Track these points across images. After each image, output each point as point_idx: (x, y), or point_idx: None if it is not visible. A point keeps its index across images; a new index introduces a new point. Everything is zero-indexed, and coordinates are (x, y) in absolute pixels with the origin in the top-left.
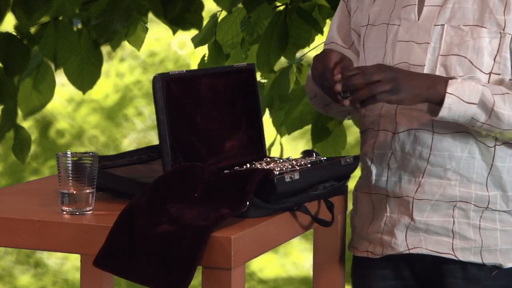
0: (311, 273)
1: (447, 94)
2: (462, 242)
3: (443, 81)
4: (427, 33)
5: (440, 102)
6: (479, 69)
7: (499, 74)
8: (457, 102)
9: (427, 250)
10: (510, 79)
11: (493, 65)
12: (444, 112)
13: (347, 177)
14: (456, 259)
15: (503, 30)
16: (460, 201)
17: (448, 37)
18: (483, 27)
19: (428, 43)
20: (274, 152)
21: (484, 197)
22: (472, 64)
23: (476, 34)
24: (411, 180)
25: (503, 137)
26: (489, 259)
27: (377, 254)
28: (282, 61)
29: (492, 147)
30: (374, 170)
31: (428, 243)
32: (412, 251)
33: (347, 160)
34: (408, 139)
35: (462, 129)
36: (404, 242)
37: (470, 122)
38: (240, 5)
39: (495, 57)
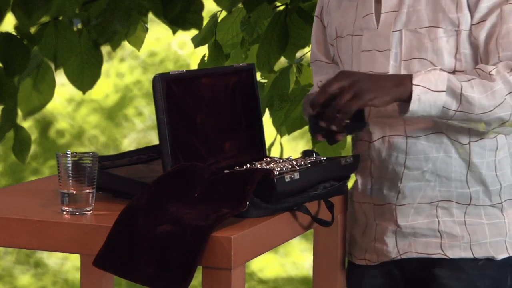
0: (311, 273)
1: (414, 86)
2: (451, 240)
3: (408, 76)
4: (387, 40)
5: (409, 98)
6: (441, 69)
7: (463, 71)
8: (425, 93)
9: (417, 253)
10: (475, 68)
11: (455, 63)
12: (414, 105)
13: (347, 177)
14: (447, 257)
15: (458, 27)
16: (441, 200)
17: (408, 41)
18: (439, 27)
19: (389, 49)
20: (274, 152)
21: (465, 194)
22: (434, 65)
23: (433, 35)
24: (391, 186)
25: (477, 127)
26: (480, 253)
27: (373, 262)
28: (282, 61)
29: (466, 144)
30: (359, 179)
31: (418, 246)
32: (403, 256)
33: (347, 160)
34: (383, 147)
35: (435, 130)
36: (395, 249)
37: (443, 112)
38: (240, 5)
39: (455, 54)
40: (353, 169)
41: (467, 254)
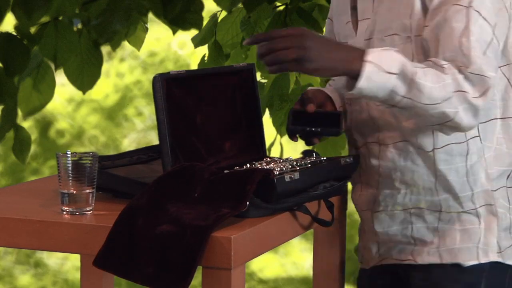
0: (311, 273)
1: (366, 63)
2: (422, 245)
3: (361, 51)
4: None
5: (358, 74)
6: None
7: None
8: (377, 72)
9: (393, 259)
10: (427, 59)
11: None
12: (363, 83)
13: (347, 177)
14: (416, 263)
15: (411, 33)
16: (412, 208)
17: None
18: (396, 34)
19: None
20: (274, 152)
21: (435, 201)
22: None
23: (393, 42)
24: (370, 193)
25: (419, 119)
26: (448, 259)
27: (366, 266)
28: None
29: (430, 151)
30: (352, 186)
31: (394, 252)
32: (383, 262)
33: (347, 160)
34: (366, 153)
35: (402, 138)
36: (377, 254)
37: (389, 96)
38: (240, 5)
39: (412, 61)
40: (353, 169)
41: (435, 259)
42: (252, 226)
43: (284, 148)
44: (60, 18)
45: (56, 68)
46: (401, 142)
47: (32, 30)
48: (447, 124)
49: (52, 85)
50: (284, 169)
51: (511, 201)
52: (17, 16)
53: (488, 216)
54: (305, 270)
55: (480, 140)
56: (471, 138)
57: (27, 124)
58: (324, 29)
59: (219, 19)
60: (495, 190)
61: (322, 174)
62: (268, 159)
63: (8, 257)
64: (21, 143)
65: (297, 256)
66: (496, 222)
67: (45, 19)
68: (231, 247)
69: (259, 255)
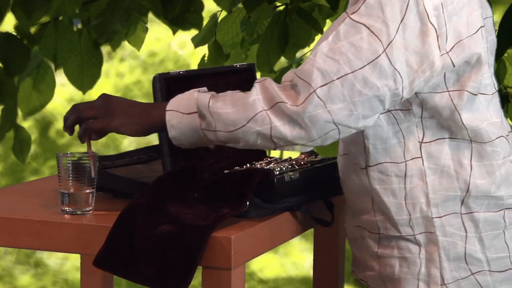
0: (311, 273)
1: (166, 112)
2: (369, 270)
3: (166, 103)
4: None
5: (165, 125)
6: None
7: None
8: (179, 117)
9: (359, 278)
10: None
11: None
12: (172, 132)
13: None
14: (367, 286)
15: None
16: (357, 226)
17: None
18: None
19: None
20: (274, 152)
21: (373, 223)
22: None
23: None
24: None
25: (249, 144)
26: None
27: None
28: (282, 61)
29: (363, 168)
30: None
31: (357, 270)
32: (360, 277)
33: None
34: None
35: (345, 151)
36: (353, 268)
37: (206, 135)
38: (240, 5)
39: None
40: None
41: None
42: (252, 226)
43: None
44: (60, 18)
45: (56, 68)
46: (345, 155)
47: (32, 30)
48: (280, 144)
49: (52, 85)
50: (284, 169)
51: (468, 229)
52: (17, 16)
53: (429, 245)
54: (305, 270)
55: (422, 161)
56: (411, 159)
57: (27, 124)
58: (324, 29)
59: (219, 19)
60: (440, 217)
61: (322, 174)
62: (268, 159)
63: (8, 257)
64: (21, 143)
65: (297, 256)
66: (437, 252)
67: (45, 19)
68: (231, 247)
69: (259, 255)
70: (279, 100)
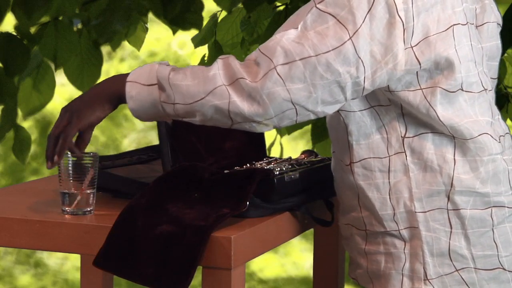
0: (311, 273)
1: (126, 83)
2: (359, 268)
3: (125, 75)
4: None
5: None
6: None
7: None
8: (138, 88)
9: (351, 277)
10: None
11: None
12: (131, 104)
13: None
14: (359, 285)
15: None
16: (346, 224)
17: None
18: None
19: None
20: (274, 152)
21: (360, 219)
22: None
23: None
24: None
25: (207, 119)
26: (377, 285)
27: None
28: None
29: (348, 165)
30: None
31: (351, 270)
32: (351, 276)
33: None
34: None
35: (333, 149)
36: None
37: (164, 108)
38: (240, 5)
39: None
40: None
41: (369, 285)
42: (252, 226)
43: (284, 148)
44: (60, 18)
45: (56, 68)
46: (334, 153)
47: (32, 30)
48: (237, 121)
49: (52, 85)
50: (284, 169)
51: (454, 225)
52: (17, 16)
53: (413, 240)
54: (305, 270)
55: (406, 156)
56: (394, 154)
57: (27, 124)
58: None
59: (219, 19)
60: (424, 212)
61: (322, 174)
62: (268, 159)
63: (8, 257)
64: (21, 143)
65: (297, 256)
66: (421, 247)
67: (45, 19)
68: (231, 247)
69: (259, 255)
70: (239, 76)
